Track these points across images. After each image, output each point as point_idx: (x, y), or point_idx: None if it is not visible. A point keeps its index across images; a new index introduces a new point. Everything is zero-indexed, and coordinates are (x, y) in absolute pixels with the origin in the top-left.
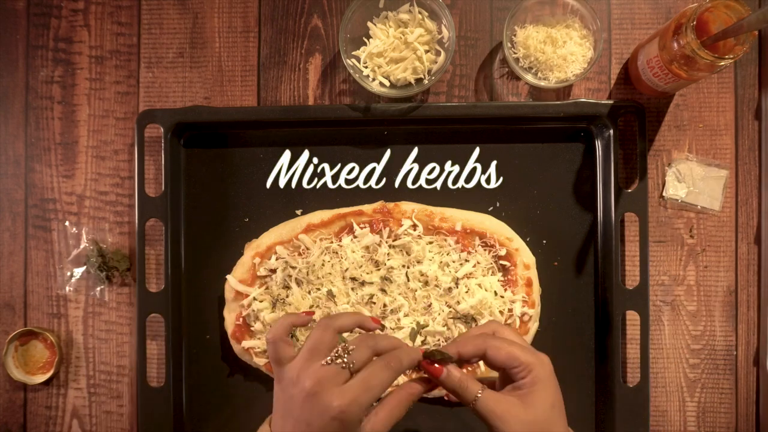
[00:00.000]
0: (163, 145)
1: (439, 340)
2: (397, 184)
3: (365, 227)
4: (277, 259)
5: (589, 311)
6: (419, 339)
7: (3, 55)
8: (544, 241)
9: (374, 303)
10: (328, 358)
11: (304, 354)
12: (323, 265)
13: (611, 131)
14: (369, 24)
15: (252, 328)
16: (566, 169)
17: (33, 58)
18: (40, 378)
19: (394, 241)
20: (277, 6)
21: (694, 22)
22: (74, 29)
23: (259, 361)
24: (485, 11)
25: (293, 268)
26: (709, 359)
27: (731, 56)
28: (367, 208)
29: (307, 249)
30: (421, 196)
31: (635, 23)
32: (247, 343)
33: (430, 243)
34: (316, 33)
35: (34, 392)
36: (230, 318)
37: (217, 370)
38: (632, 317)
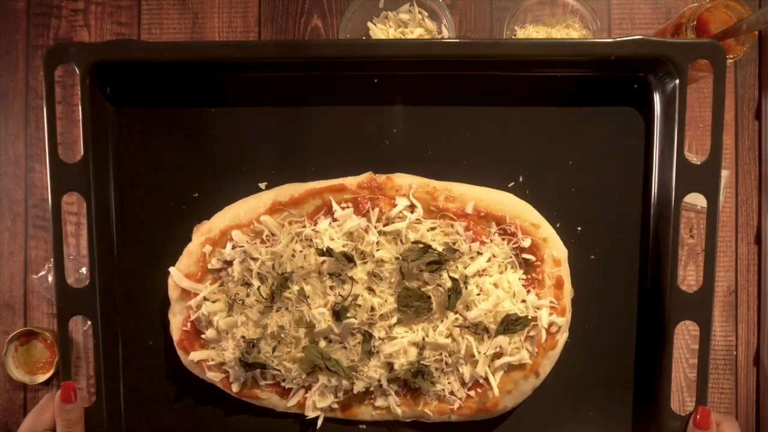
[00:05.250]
0: (80, 92)
1: (441, 355)
2: (390, 152)
3: (348, 207)
4: (233, 247)
5: (631, 320)
6: (414, 350)
7: (3, 55)
8: (579, 229)
9: (359, 306)
10: None
11: None
12: (293, 256)
13: (677, 81)
14: (369, 24)
15: (203, 337)
16: (611, 136)
17: (33, 58)
18: (41, 378)
19: (385, 226)
20: (277, 6)
21: (694, 22)
22: (74, 29)
23: (214, 377)
24: (485, 11)
25: (254, 259)
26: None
27: (731, 56)
28: (350, 181)
29: (273, 235)
30: (421, 167)
31: (635, 23)
32: (196, 355)
33: (432, 229)
34: (316, 33)
35: (34, 392)
36: (176, 322)
37: (162, 385)
38: (681, 328)
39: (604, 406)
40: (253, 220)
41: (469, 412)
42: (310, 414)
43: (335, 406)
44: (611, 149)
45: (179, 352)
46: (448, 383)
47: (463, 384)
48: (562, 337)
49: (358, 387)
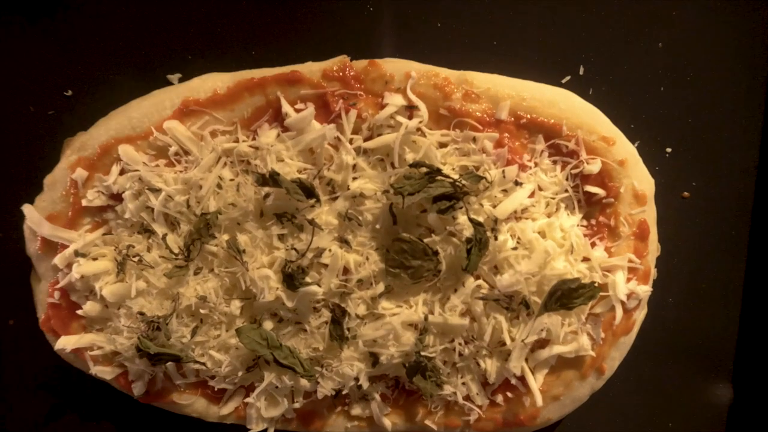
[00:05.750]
0: None
1: (453, 342)
2: (375, 25)
3: (307, 107)
4: (122, 172)
5: (736, 289)
6: (411, 335)
7: None
8: (668, 150)
9: (325, 266)
10: None
11: None
12: (219, 187)
13: None
14: None
15: (80, 313)
16: (723, 5)
17: None
18: None
19: (367, 140)
20: None
21: None
22: None
23: (104, 373)
24: None
25: (156, 191)
26: None
27: None
28: (311, 69)
29: (186, 153)
30: (423, 50)
31: None
32: (69, 341)
33: (444, 145)
34: None
35: None
36: (40, 291)
37: (32, 388)
38: None
39: (689, 417)
40: (152, 129)
41: (493, 427)
42: (254, 427)
43: (291, 415)
44: (722, 27)
45: (48, 337)
46: (463, 384)
47: (486, 385)
48: (640, 316)
49: (325, 389)
